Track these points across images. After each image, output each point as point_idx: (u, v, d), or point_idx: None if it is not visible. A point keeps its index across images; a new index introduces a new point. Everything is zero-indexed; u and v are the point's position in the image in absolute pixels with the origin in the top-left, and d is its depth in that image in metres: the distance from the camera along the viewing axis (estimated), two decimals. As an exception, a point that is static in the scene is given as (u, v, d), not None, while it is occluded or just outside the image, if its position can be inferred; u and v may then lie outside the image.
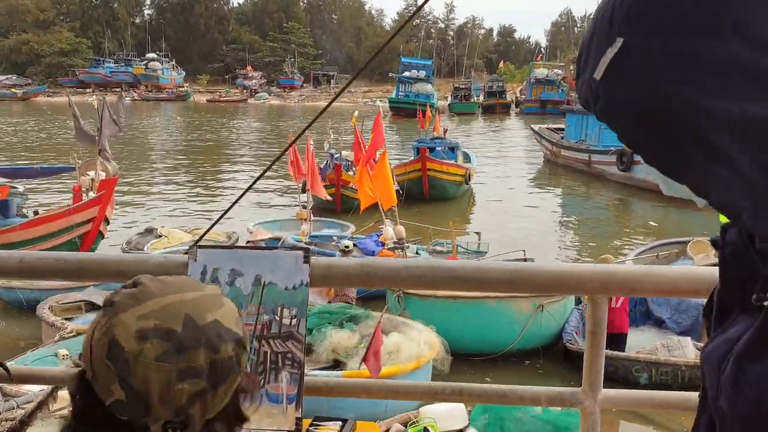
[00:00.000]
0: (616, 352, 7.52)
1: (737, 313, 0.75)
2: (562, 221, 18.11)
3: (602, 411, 1.79)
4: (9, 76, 78.52)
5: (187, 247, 1.88)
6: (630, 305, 8.29)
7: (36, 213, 13.58)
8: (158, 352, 0.84)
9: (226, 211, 1.91)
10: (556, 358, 8.40)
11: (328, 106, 1.62)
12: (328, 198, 14.04)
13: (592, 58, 0.69)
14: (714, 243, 0.79)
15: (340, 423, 1.79)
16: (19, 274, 1.79)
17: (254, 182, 1.85)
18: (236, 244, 10.44)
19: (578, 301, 8.87)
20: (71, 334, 8.05)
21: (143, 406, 0.85)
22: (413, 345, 7.25)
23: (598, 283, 1.72)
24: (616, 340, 7.78)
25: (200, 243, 1.83)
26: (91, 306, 9.50)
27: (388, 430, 6.03)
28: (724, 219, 0.74)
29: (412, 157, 20.17)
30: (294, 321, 1.79)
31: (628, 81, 0.65)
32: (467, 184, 20.32)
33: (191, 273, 1.82)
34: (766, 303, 0.70)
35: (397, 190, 18.70)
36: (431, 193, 18.80)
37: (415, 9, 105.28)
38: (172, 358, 0.84)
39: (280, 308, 1.79)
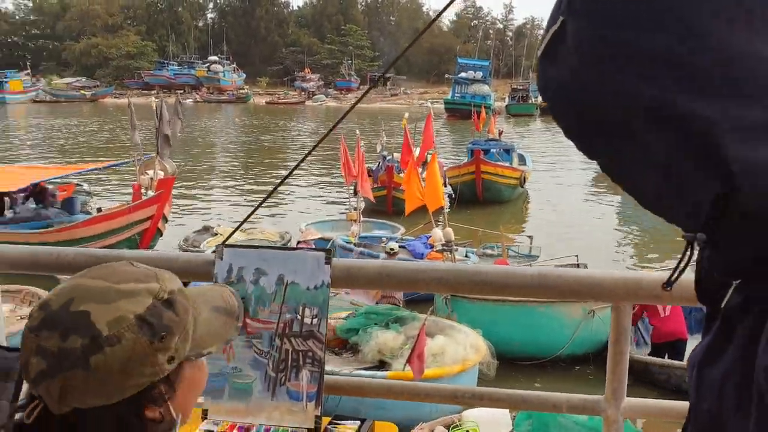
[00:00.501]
0: (667, 360, 7.31)
1: (713, 320, 0.74)
2: (620, 228, 17.60)
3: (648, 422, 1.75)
4: (79, 78, 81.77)
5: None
6: (684, 312, 8.04)
7: (99, 210, 14.10)
8: (33, 322, 0.89)
9: (252, 213, 1.96)
10: (596, 366, 8.21)
11: (348, 111, 1.64)
12: (373, 200, 14.11)
13: (543, 37, 0.70)
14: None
15: (358, 422, 1.80)
16: (57, 270, 1.88)
17: (278, 185, 1.89)
18: (264, 245, 10.60)
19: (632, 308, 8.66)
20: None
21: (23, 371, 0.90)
22: (459, 348, 7.21)
23: (622, 291, 1.69)
24: (677, 348, 7.57)
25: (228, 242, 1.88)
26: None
27: (432, 431, 6.03)
28: None
29: (466, 160, 20.02)
30: (315, 320, 1.82)
31: (556, 58, 0.67)
32: (522, 187, 20.05)
33: (217, 271, 1.87)
34: (723, 305, 0.69)
35: (449, 194, 18.73)
36: (485, 196, 18.62)
37: (473, 9, 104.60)
38: (36, 332, 0.88)
39: (301, 307, 1.82)
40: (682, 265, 0.71)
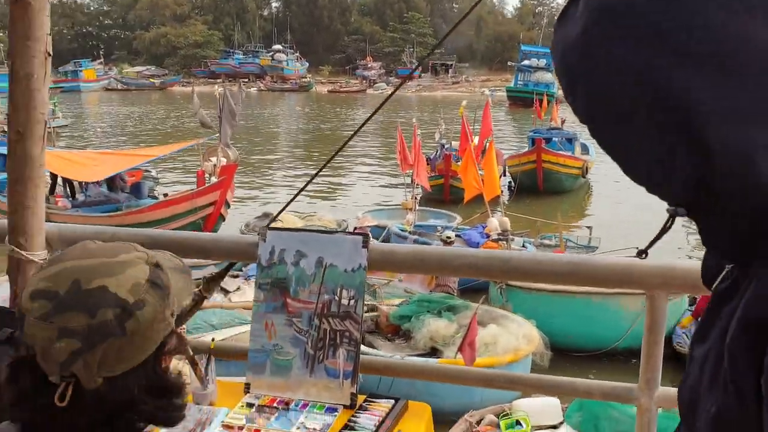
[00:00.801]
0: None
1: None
2: (684, 221, 17.05)
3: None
4: (148, 67, 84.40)
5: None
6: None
7: (165, 195, 14.62)
8: (41, 311, 0.93)
9: (293, 199, 2.04)
10: (665, 359, 8.02)
11: (384, 102, 1.69)
12: (428, 189, 14.11)
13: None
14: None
15: (392, 401, 1.86)
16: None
17: (315, 174, 1.96)
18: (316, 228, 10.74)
19: (692, 302, 8.44)
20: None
21: (32, 361, 0.94)
22: (511, 338, 7.20)
23: (657, 279, 1.69)
24: None
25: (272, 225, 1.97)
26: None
27: (481, 420, 6.05)
28: None
29: (527, 148, 19.73)
30: (352, 302, 1.89)
31: (565, 24, 0.70)
32: (584, 177, 19.63)
33: (260, 252, 1.96)
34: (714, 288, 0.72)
35: (508, 183, 18.49)
36: (545, 186, 18.29)
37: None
38: (51, 318, 0.92)
39: (339, 289, 1.90)
40: (657, 235, 0.76)
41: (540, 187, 18.17)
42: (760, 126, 0.62)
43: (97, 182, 14.23)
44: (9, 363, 0.97)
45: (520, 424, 5.76)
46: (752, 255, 0.66)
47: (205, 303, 7.69)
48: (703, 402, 0.69)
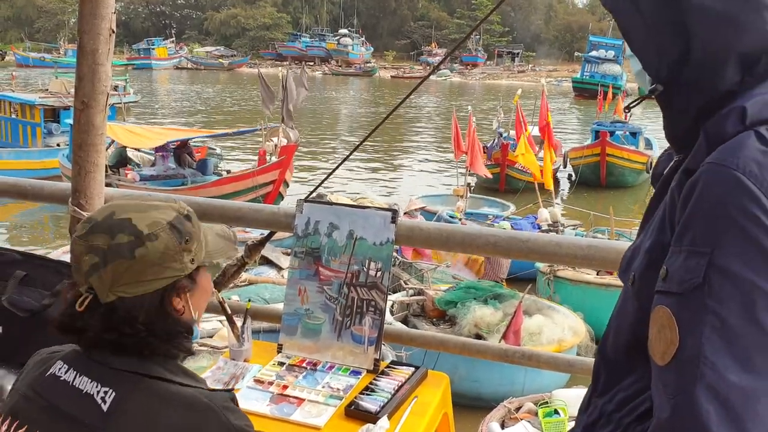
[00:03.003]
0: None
1: None
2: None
3: None
4: (218, 47, 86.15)
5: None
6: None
7: (229, 172, 15.09)
8: (81, 232, 1.14)
9: (329, 176, 2.17)
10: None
11: (416, 87, 1.78)
12: (488, 175, 14.05)
13: None
14: (652, 179, 1.05)
15: (413, 368, 1.97)
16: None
17: (351, 152, 2.07)
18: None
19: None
20: (244, 283, 8.92)
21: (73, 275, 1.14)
22: (556, 329, 7.18)
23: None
24: None
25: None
26: (265, 260, 10.40)
27: (520, 407, 6.10)
28: None
29: (590, 141, 19.35)
30: (379, 273, 2.00)
31: None
32: (648, 172, 19.13)
33: (297, 223, 2.10)
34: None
35: (569, 175, 18.19)
36: (608, 180, 17.88)
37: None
38: (84, 237, 1.12)
39: (367, 261, 2.01)
40: (638, 100, 1.01)
41: (603, 180, 17.80)
42: (737, 30, 0.82)
43: (165, 156, 14.81)
44: (69, 282, 1.17)
45: (558, 413, 5.78)
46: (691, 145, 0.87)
47: (259, 278, 7.89)
48: (640, 247, 0.92)
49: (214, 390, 1.16)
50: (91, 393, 1.08)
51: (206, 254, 1.20)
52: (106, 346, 1.11)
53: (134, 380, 1.10)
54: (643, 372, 0.89)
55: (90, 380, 1.10)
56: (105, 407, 1.07)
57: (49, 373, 1.13)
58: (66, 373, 1.12)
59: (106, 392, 1.08)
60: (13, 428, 1.12)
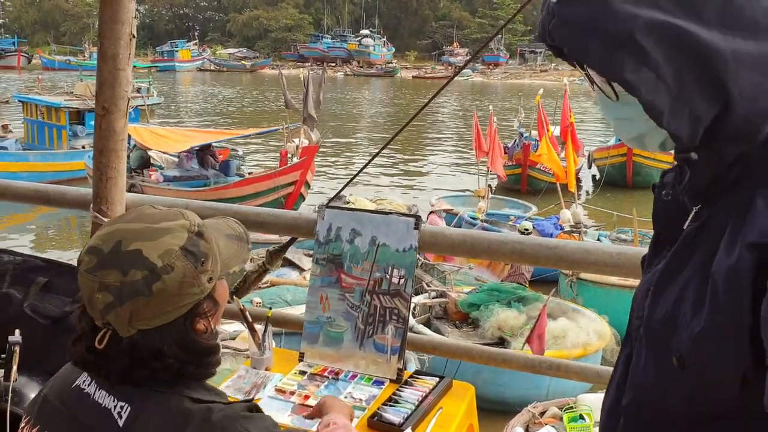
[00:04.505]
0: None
1: (667, 249, 0.85)
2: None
3: None
4: (240, 49, 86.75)
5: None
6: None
7: (250, 174, 15.17)
8: (89, 265, 1.07)
9: (349, 181, 2.13)
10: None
11: (442, 88, 1.73)
12: (503, 178, 13.94)
13: None
14: (653, 187, 0.94)
15: (437, 378, 1.93)
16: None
17: (373, 158, 2.04)
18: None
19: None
20: (266, 285, 8.93)
21: (86, 307, 1.09)
22: (581, 332, 7.09)
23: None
24: None
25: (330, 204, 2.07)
26: (287, 261, 10.42)
27: (545, 411, 6.03)
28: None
29: (614, 141, 19.11)
30: (402, 281, 1.96)
31: (582, 2, 0.80)
32: (675, 170, 18.83)
33: (318, 229, 2.06)
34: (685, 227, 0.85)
35: (593, 176, 17.97)
36: (635, 180, 17.62)
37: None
38: (94, 272, 1.06)
39: (390, 268, 1.97)
40: (686, 179, 0.85)
41: (629, 181, 17.57)
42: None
43: (188, 157, 14.94)
44: (82, 303, 1.12)
45: (583, 418, 5.70)
46: (721, 196, 0.81)
47: (281, 280, 7.89)
48: (683, 326, 0.79)
49: (231, 402, 1.13)
50: (109, 407, 1.08)
51: (222, 266, 1.16)
52: (139, 379, 1.09)
53: (151, 396, 1.09)
54: None
55: (108, 395, 1.10)
56: (121, 422, 1.07)
57: (74, 384, 1.14)
58: (89, 385, 1.12)
59: (122, 407, 1.08)
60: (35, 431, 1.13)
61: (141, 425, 1.07)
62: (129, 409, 1.07)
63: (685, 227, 0.85)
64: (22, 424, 1.17)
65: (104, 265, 1.06)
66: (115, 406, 1.08)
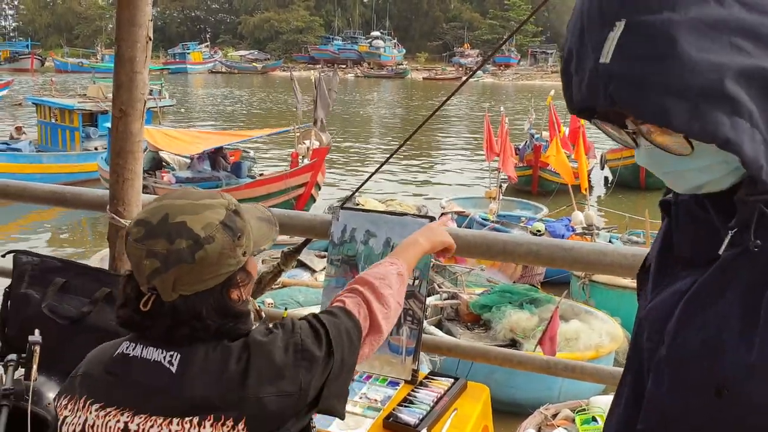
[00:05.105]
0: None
1: (680, 269, 0.82)
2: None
3: None
4: (252, 51, 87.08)
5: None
6: None
7: (261, 175, 15.23)
8: (137, 235, 1.17)
9: (365, 181, 2.13)
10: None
11: (458, 88, 1.74)
12: (514, 180, 13.91)
13: (589, 51, 0.75)
14: (662, 204, 0.86)
15: (452, 380, 1.93)
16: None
17: (386, 161, 2.04)
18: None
19: None
20: (278, 286, 8.96)
21: (132, 274, 1.20)
22: (593, 334, 7.07)
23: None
24: None
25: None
26: (299, 263, 10.44)
27: (557, 414, 6.01)
28: None
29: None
30: (416, 282, 1.96)
31: (640, 57, 0.71)
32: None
33: (333, 230, 2.07)
34: (720, 252, 0.79)
35: (605, 177, 17.89)
36: (648, 182, 17.49)
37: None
38: (142, 241, 1.16)
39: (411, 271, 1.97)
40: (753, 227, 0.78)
41: (642, 183, 17.48)
42: None
43: (200, 159, 15.02)
44: (126, 274, 1.24)
45: (596, 420, 5.68)
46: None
47: (293, 281, 7.92)
48: (731, 353, 0.76)
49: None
50: (159, 359, 1.18)
51: (254, 244, 1.26)
52: (181, 338, 1.18)
53: (196, 344, 1.19)
54: None
55: (155, 349, 1.19)
56: (173, 369, 1.17)
57: (116, 353, 1.23)
58: (134, 349, 1.21)
59: (172, 356, 1.18)
60: (88, 404, 1.20)
61: (191, 368, 1.16)
62: (179, 356, 1.17)
63: (720, 252, 0.80)
64: (63, 403, 1.23)
65: (152, 234, 1.16)
66: (164, 357, 1.18)
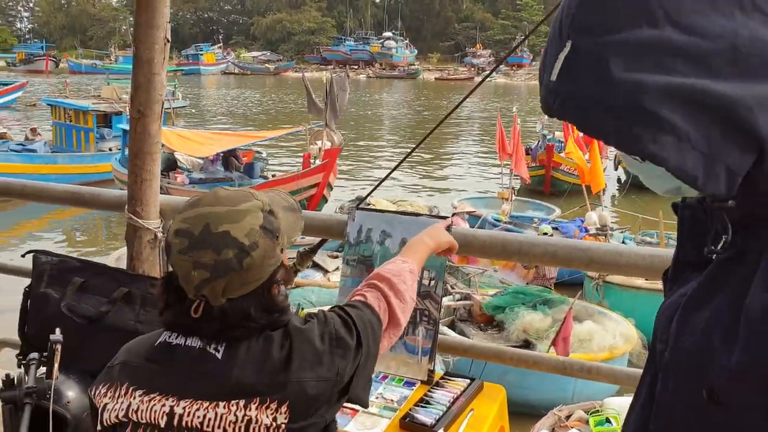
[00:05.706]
0: None
1: (691, 271, 0.83)
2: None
3: None
4: (264, 52, 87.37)
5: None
6: None
7: (274, 176, 15.29)
8: (181, 246, 1.20)
9: (380, 182, 2.14)
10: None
11: (474, 89, 1.74)
12: (527, 180, 13.87)
13: (548, 64, 0.78)
14: (675, 206, 0.87)
15: (468, 380, 1.93)
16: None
17: (400, 162, 2.05)
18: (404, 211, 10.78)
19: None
20: (291, 286, 8.98)
21: (176, 280, 1.22)
22: (607, 335, 7.03)
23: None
24: None
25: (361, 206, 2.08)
26: (312, 263, 10.46)
27: (570, 415, 5.99)
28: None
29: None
30: (432, 282, 1.96)
31: (580, 76, 0.74)
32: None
33: (349, 230, 2.08)
34: (714, 256, 0.81)
35: (618, 178, 17.81)
36: None
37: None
38: (187, 253, 1.19)
39: (421, 269, 1.97)
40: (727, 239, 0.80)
41: None
42: None
43: (214, 160, 15.11)
44: (162, 278, 1.29)
45: (610, 422, 5.65)
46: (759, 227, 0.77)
47: (306, 281, 7.95)
48: (717, 359, 0.76)
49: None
50: (204, 347, 1.23)
51: (287, 237, 1.30)
52: (232, 339, 1.23)
53: (239, 330, 1.23)
54: None
55: (199, 338, 1.24)
56: (219, 355, 1.21)
57: (158, 342, 1.26)
58: (177, 338, 1.25)
59: (217, 343, 1.23)
60: (131, 390, 1.23)
61: (236, 354, 1.21)
62: (224, 345, 1.22)
63: (714, 254, 0.82)
64: (101, 391, 1.25)
65: (197, 246, 1.19)
66: (210, 345, 1.23)
